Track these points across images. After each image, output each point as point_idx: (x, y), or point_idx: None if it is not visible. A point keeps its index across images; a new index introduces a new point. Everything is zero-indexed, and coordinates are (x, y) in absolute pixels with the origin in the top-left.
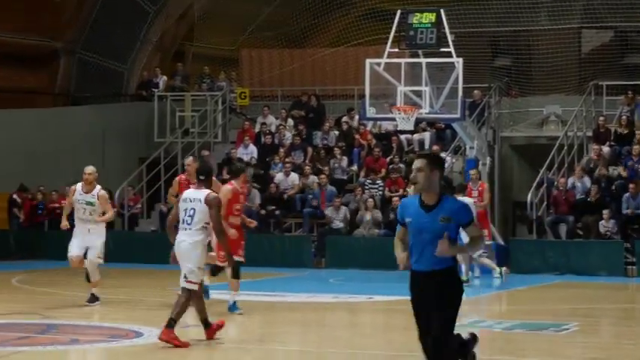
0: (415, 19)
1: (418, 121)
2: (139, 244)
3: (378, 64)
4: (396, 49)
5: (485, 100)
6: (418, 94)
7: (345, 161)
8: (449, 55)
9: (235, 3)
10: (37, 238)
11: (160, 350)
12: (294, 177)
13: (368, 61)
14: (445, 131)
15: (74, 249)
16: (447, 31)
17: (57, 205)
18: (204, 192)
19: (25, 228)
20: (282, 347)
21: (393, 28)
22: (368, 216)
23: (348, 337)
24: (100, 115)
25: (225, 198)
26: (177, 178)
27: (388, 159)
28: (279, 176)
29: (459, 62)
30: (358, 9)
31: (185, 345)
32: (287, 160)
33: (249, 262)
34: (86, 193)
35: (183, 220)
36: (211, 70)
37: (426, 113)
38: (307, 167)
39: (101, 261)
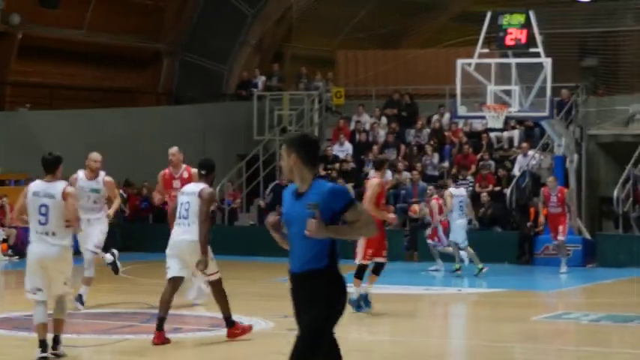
0: (505, 20)
1: (507, 119)
2: (239, 237)
3: (469, 65)
4: (487, 50)
5: (573, 99)
6: (508, 93)
7: (436, 158)
8: (538, 55)
9: (331, 6)
10: (142, 230)
11: (258, 339)
12: (388, 174)
13: (459, 61)
14: (534, 129)
15: None
16: (536, 31)
17: None
18: (200, 186)
19: (131, 221)
20: (374, 338)
21: (484, 30)
22: None
23: (438, 326)
24: (201, 113)
25: (373, 192)
26: (161, 173)
27: (478, 156)
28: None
29: (547, 62)
30: (449, 11)
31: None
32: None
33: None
34: (90, 179)
35: (180, 215)
36: (308, 71)
37: (515, 112)
38: (400, 164)
39: (98, 251)
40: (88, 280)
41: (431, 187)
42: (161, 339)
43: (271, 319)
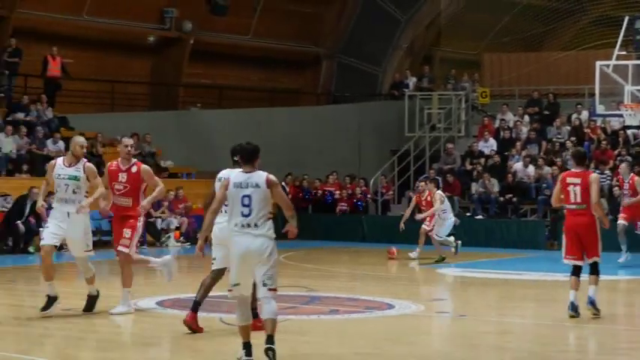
0: None
1: None
2: (391, 227)
3: (607, 66)
4: (624, 52)
5: None
6: None
7: None
8: None
9: (478, 12)
10: (303, 220)
11: (409, 318)
12: (531, 168)
13: (598, 63)
14: None
15: (47, 238)
16: None
17: (319, 190)
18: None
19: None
20: (519, 320)
21: (621, 33)
22: None
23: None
24: (356, 112)
25: (599, 186)
26: (107, 166)
27: (616, 152)
28: (517, 166)
29: None
30: (589, 16)
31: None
32: (524, 152)
33: (486, 243)
34: (69, 166)
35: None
36: (456, 72)
37: None
38: (541, 159)
39: (91, 254)
40: (91, 279)
41: None
42: (191, 320)
43: (421, 303)
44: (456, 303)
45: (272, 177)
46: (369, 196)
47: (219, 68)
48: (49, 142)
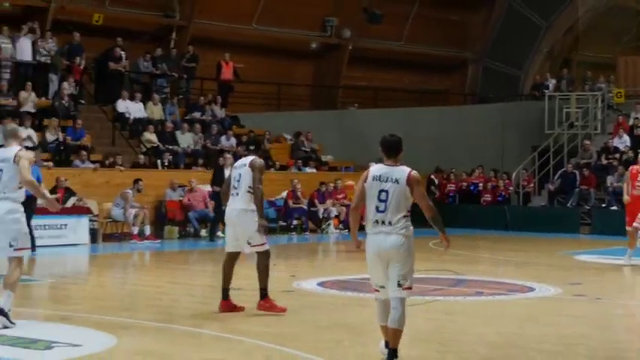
0: None
1: None
2: (532, 216)
3: None
4: None
5: None
6: None
7: None
8: None
9: (613, 18)
10: (450, 210)
11: (548, 301)
12: None
13: None
14: None
15: None
16: None
17: (465, 183)
18: (249, 158)
19: (439, 201)
20: None
21: None
22: None
23: None
24: (500, 111)
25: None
26: None
27: None
28: None
29: None
30: None
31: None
32: None
33: (621, 232)
34: None
35: (232, 187)
36: (592, 74)
37: None
38: None
39: (21, 254)
40: (13, 284)
41: None
42: (225, 307)
43: (559, 286)
44: (591, 287)
45: (415, 173)
46: (511, 188)
47: (375, 71)
48: (222, 138)
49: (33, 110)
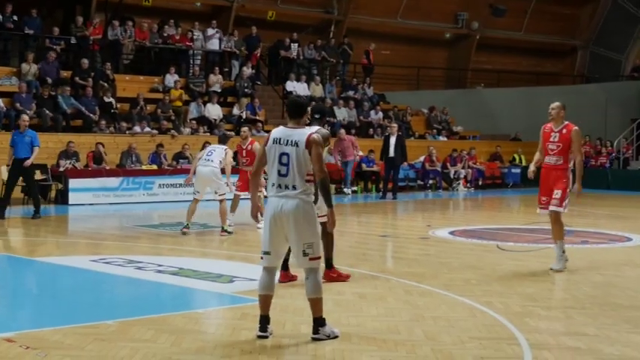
0: None
1: None
2: (630, 178)
3: None
4: None
5: None
6: None
7: None
8: None
9: None
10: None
11: (625, 250)
12: None
13: None
14: None
15: None
16: None
17: None
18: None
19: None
20: None
21: None
22: None
23: None
24: (604, 90)
25: None
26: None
27: None
28: None
29: None
30: None
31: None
32: None
33: None
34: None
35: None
36: None
37: None
38: None
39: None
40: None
41: None
42: (284, 278)
43: None
44: None
45: (316, 136)
46: (613, 154)
47: (498, 57)
48: (372, 112)
49: (219, 90)
